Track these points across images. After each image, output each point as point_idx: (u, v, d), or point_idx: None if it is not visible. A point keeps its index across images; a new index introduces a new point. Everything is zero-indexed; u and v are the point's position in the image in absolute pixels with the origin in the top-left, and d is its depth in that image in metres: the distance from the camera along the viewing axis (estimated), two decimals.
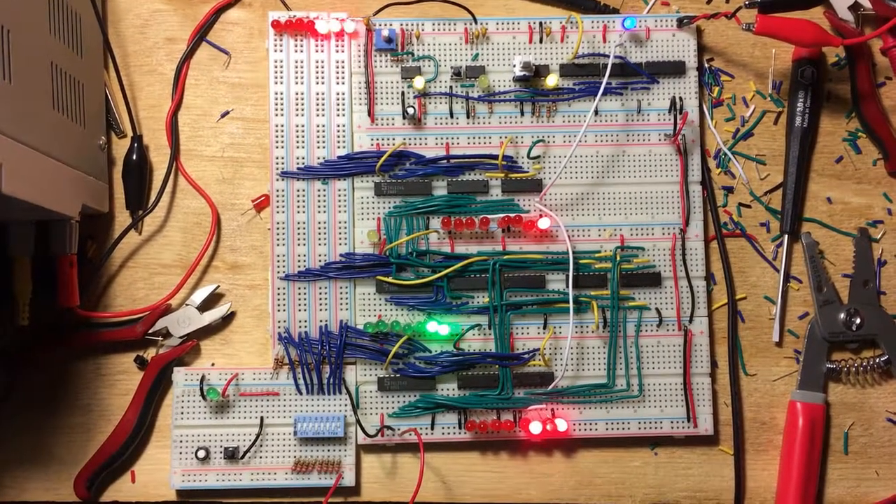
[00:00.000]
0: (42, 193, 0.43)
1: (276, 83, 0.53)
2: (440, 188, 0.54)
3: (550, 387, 0.53)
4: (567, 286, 0.53)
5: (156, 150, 0.55)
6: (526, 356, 0.53)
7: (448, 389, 0.53)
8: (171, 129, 0.54)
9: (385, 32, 0.54)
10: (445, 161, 0.54)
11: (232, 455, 0.52)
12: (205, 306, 0.53)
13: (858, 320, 0.54)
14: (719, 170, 0.56)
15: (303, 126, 0.53)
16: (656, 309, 0.54)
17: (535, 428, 0.52)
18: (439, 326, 0.52)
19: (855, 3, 0.55)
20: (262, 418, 0.52)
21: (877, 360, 0.54)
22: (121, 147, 0.55)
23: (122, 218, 0.54)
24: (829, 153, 0.56)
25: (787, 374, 0.55)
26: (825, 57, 0.56)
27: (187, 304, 0.53)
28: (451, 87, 0.54)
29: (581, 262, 0.53)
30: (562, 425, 0.52)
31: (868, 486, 0.54)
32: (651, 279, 0.54)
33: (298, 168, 0.53)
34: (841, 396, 0.55)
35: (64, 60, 0.47)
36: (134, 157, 0.54)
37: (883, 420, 0.55)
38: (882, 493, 0.54)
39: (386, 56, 0.54)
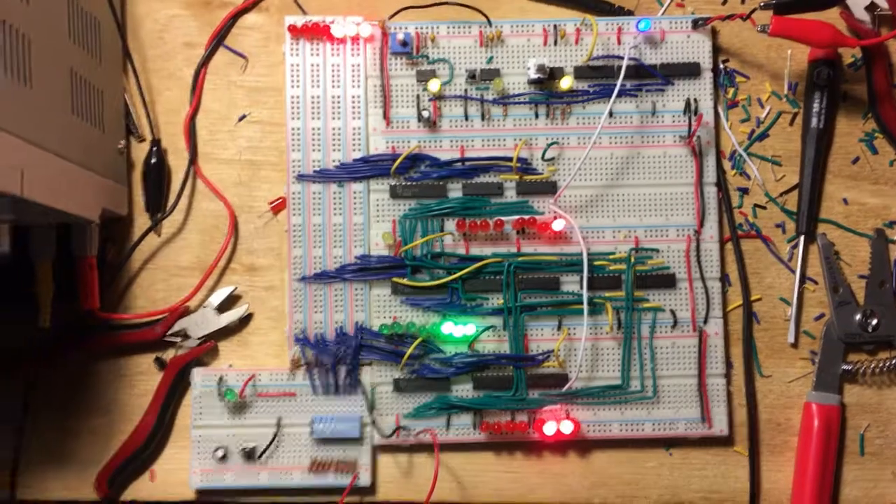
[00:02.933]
0: (62, 198, 0.44)
1: (293, 87, 0.54)
2: (455, 190, 0.54)
3: (565, 388, 0.53)
4: (581, 288, 0.53)
5: (174, 153, 0.56)
6: (540, 357, 0.53)
7: (463, 390, 0.53)
8: (189, 132, 0.55)
9: (400, 36, 0.54)
10: (460, 163, 0.54)
11: (250, 455, 0.52)
12: (223, 308, 0.54)
13: (874, 321, 0.54)
14: (734, 171, 0.56)
15: (319, 129, 0.54)
16: (671, 310, 0.54)
17: (550, 429, 0.52)
18: (454, 328, 0.53)
19: (871, 3, 0.54)
20: (279, 419, 0.53)
21: (893, 362, 0.54)
22: (140, 151, 0.55)
23: (142, 221, 0.55)
24: (846, 154, 0.56)
25: (802, 375, 0.55)
26: (841, 58, 0.56)
27: (205, 306, 0.54)
28: (465, 90, 0.54)
29: (595, 263, 0.54)
30: (575, 427, 0.52)
31: (884, 488, 0.54)
32: (666, 280, 0.54)
33: (315, 171, 0.54)
34: (857, 398, 0.55)
35: (83, 66, 0.48)
36: (153, 160, 0.54)
37: None
38: None
39: (401, 59, 0.54)
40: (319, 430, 0.52)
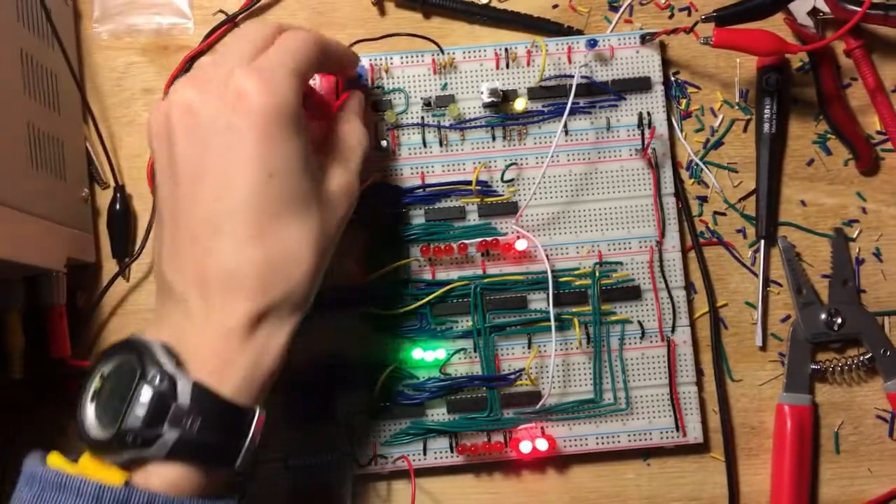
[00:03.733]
0: (24, 251, 0.44)
1: None
2: (418, 217, 0.55)
3: (538, 405, 0.53)
4: (548, 305, 0.53)
5: (139, 198, 0.56)
6: (512, 376, 0.54)
7: (438, 414, 0.54)
8: (152, 176, 0.56)
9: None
10: (421, 190, 0.55)
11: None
12: None
13: (840, 320, 0.55)
14: (692, 180, 0.56)
15: None
16: (638, 322, 0.54)
17: (525, 447, 0.52)
18: (424, 353, 0.53)
19: (813, 8, 0.56)
20: (256, 452, 0.53)
21: (861, 359, 0.55)
22: (104, 197, 0.56)
23: (110, 266, 0.56)
24: (800, 156, 0.57)
25: (772, 377, 0.55)
26: (789, 63, 0.57)
27: None
28: (422, 118, 0.55)
29: (561, 280, 0.54)
30: (551, 443, 0.53)
31: (861, 484, 0.55)
32: (631, 293, 0.54)
33: None
34: (828, 396, 0.55)
35: (41, 120, 0.49)
36: (118, 206, 0.55)
37: (872, 417, 0.55)
38: (876, 490, 0.55)
39: None
40: (294, 463, 0.52)
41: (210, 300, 0.39)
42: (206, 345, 0.38)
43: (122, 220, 0.55)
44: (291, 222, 0.40)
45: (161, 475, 0.37)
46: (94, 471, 0.37)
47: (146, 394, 0.37)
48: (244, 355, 0.39)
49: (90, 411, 0.38)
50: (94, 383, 0.39)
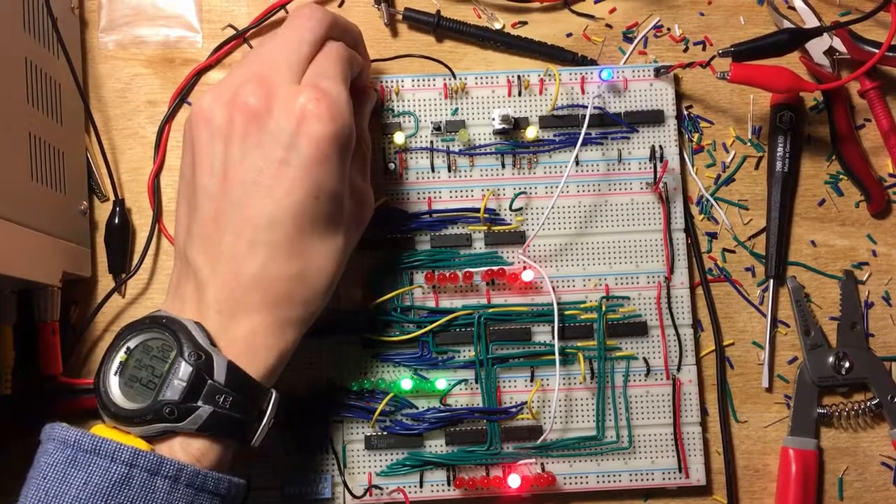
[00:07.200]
0: (20, 265, 0.43)
1: None
2: (423, 243, 0.54)
3: (539, 440, 0.52)
4: (553, 338, 0.52)
5: (138, 212, 0.55)
6: (513, 410, 0.52)
7: (436, 446, 0.52)
8: (153, 191, 0.54)
9: None
10: (428, 215, 0.54)
11: None
12: None
13: (847, 364, 0.54)
14: (702, 216, 0.56)
15: None
16: (644, 358, 0.53)
17: (514, 482, 0.51)
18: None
19: (830, 48, 0.55)
20: (248, 479, 0.51)
21: (868, 404, 0.54)
22: (103, 211, 0.54)
23: (106, 282, 0.54)
24: (812, 196, 0.56)
25: (778, 419, 0.54)
26: (803, 101, 0.56)
27: None
28: (431, 142, 0.54)
29: (566, 313, 0.53)
30: (547, 480, 0.51)
31: None
32: (637, 328, 0.53)
33: None
34: (833, 441, 0.54)
35: (43, 130, 0.47)
36: (116, 220, 0.54)
37: (877, 464, 0.54)
38: None
39: None
40: (289, 491, 0.51)
41: (239, 297, 0.41)
42: (231, 331, 0.41)
43: (121, 234, 0.54)
44: (324, 240, 0.43)
45: (187, 448, 0.40)
46: (122, 439, 0.38)
47: (185, 369, 0.39)
48: (267, 345, 0.42)
49: (115, 384, 0.40)
50: (119, 357, 0.40)
